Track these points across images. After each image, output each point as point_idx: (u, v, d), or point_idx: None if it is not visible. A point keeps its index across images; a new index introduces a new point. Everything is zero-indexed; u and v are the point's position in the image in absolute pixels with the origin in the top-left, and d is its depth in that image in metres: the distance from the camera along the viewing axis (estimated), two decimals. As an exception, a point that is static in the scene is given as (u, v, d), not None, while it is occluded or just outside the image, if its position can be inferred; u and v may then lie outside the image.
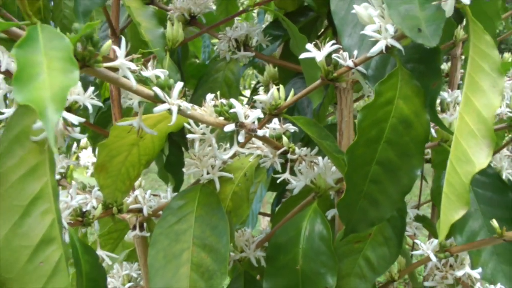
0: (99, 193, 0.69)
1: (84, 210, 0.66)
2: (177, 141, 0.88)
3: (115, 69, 0.47)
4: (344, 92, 0.79)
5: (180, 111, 0.50)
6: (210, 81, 0.92)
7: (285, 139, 0.67)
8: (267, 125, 0.67)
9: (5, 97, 0.54)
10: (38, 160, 0.44)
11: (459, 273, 0.61)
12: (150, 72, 0.50)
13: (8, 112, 0.52)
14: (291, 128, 0.68)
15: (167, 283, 0.61)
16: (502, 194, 0.68)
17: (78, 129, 0.45)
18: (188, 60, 1.16)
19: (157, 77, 0.50)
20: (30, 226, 0.43)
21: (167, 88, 0.49)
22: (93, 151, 1.13)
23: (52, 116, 0.33)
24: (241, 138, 0.56)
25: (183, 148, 0.89)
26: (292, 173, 0.69)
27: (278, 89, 0.62)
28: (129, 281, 0.86)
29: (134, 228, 0.76)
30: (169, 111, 0.49)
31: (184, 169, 0.67)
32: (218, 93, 0.60)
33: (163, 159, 0.88)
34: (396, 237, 0.67)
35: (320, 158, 0.68)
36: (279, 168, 0.68)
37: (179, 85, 0.50)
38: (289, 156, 0.67)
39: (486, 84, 0.49)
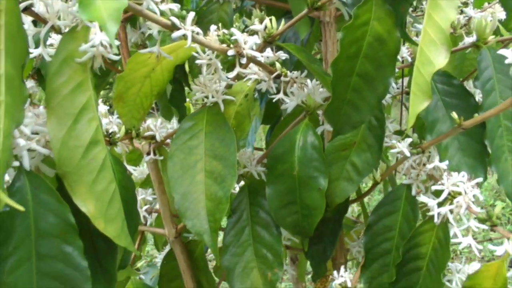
0: (118, 120, 0.80)
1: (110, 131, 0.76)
2: (178, 78, 0.98)
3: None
4: (328, 25, 0.89)
5: (193, 37, 0.60)
6: (205, 22, 1.01)
7: (278, 64, 0.78)
8: (261, 54, 0.78)
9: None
10: (83, 78, 0.54)
11: (430, 166, 0.73)
12: (165, 6, 0.60)
13: (38, 51, 0.61)
14: (283, 55, 0.78)
15: (185, 189, 0.72)
16: (466, 101, 0.80)
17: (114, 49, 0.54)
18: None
19: (171, 10, 0.60)
20: (80, 130, 0.53)
21: (181, 17, 0.60)
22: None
23: (111, 28, 0.43)
24: (242, 61, 0.66)
25: (183, 84, 1.00)
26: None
27: (270, 20, 0.72)
28: (145, 205, 0.98)
29: (148, 153, 0.87)
30: (185, 36, 0.59)
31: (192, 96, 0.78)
32: (220, 25, 0.70)
33: (166, 98, 0.99)
34: (377, 143, 0.79)
35: (309, 80, 0.79)
36: (274, 90, 0.78)
37: (191, 14, 0.60)
38: (282, 78, 0.78)
39: (443, 1, 0.60)
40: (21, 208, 0.44)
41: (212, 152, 0.73)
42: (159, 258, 1.21)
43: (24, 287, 0.50)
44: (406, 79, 1.02)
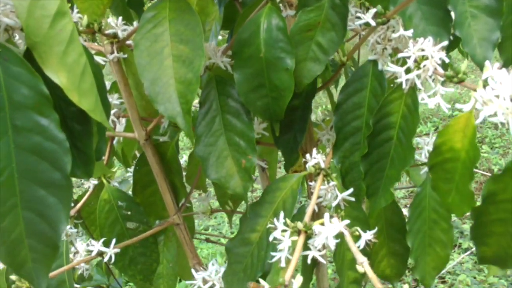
0: (78, 15, 0.78)
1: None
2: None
3: None
4: None
5: None
6: None
7: None
8: None
9: None
10: None
11: (395, 35, 0.74)
12: None
13: None
14: None
15: (154, 75, 0.71)
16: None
17: None
18: None
19: None
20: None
21: None
22: None
23: None
24: None
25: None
26: None
27: None
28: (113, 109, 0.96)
29: (112, 52, 0.85)
30: None
31: None
32: None
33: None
34: (341, 22, 0.78)
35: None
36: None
37: None
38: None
39: None
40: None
41: (178, 37, 0.72)
42: (130, 173, 1.20)
43: (3, 162, 0.50)
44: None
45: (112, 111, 0.95)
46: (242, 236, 0.84)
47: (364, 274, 0.90)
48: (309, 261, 0.71)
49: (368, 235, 0.66)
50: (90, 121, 0.60)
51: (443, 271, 2.73)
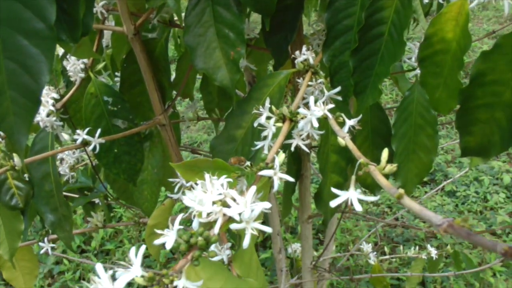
0: None
1: None
2: None
3: None
4: None
5: None
6: None
7: None
8: None
9: None
10: None
11: None
12: None
13: None
14: None
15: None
16: None
17: None
18: None
19: None
20: None
21: None
22: None
23: None
24: None
25: None
26: None
27: None
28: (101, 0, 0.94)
29: None
30: None
31: None
32: None
33: None
34: None
35: None
36: None
37: None
38: None
39: None
40: None
41: None
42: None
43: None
44: None
45: (101, 3, 0.93)
46: (227, 133, 0.84)
47: (346, 179, 0.91)
48: (292, 149, 0.71)
49: (352, 122, 0.66)
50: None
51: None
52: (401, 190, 0.43)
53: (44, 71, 0.51)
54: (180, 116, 1.25)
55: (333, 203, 0.48)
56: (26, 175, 0.97)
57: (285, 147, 0.92)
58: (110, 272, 0.39)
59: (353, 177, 0.50)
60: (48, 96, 0.95)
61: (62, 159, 1.35)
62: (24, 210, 1.01)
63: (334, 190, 0.49)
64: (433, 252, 1.63)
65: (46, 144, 0.94)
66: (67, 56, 0.98)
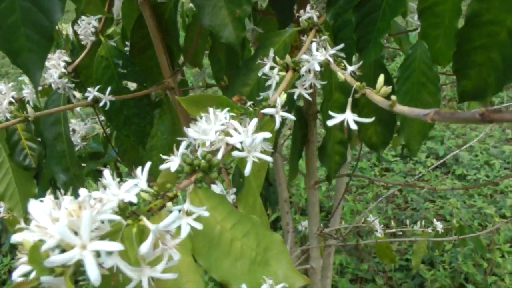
0: None
1: None
2: None
3: None
4: None
5: None
6: None
7: None
8: None
9: None
10: None
11: None
12: None
13: None
14: None
15: None
16: None
17: None
18: None
19: None
20: None
21: None
22: None
23: None
24: None
25: None
26: None
27: None
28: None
29: None
30: None
31: None
32: None
33: None
34: None
35: None
36: None
37: None
38: None
39: None
40: None
41: None
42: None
43: None
44: None
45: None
46: (234, 91, 0.87)
47: (350, 137, 0.93)
48: (295, 97, 0.73)
49: (353, 67, 0.68)
50: None
51: (434, 195, 2.79)
52: (393, 97, 0.45)
53: (57, 9, 0.54)
54: (189, 84, 1.27)
55: (330, 122, 0.50)
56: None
57: (290, 109, 0.95)
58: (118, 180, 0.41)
59: (350, 99, 0.52)
60: (60, 59, 0.98)
61: (74, 130, 1.39)
62: (37, 173, 1.04)
63: (331, 113, 0.51)
64: (439, 227, 1.65)
65: (58, 105, 0.97)
66: (78, 21, 1.01)
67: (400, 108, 0.45)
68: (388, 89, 0.51)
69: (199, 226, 0.46)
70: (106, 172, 0.40)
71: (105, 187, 0.40)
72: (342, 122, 0.92)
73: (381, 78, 0.53)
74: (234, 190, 0.71)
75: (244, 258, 0.57)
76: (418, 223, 1.68)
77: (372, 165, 3.18)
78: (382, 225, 1.63)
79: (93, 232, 0.36)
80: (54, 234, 0.33)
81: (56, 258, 0.32)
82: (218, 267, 0.56)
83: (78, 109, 1.03)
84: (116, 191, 0.39)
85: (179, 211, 0.46)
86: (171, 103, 1.11)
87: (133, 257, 0.43)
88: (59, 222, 0.33)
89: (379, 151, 1.00)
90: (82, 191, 0.36)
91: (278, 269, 0.60)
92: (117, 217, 0.36)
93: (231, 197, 0.69)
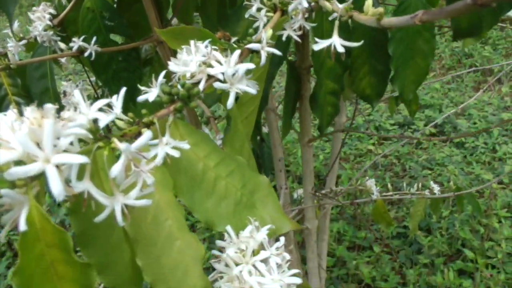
0: None
1: None
2: None
3: None
4: None
5: None
6: None
7: None
8: None
9: None
10: None
11: None
12: None
13: None
14: None
15: None
16: None
17: None
18: None
19: None
20: None
21: None
22: None
23: None
24: None
25: None
26: None
27: None
28: None
29: None
30: None
31: None
32: None
33: None
34: None
35: None
36: None
37: None
38: None
39: None
40: None
41: None
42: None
43: None
44: None
45: None
46: (223, 40, 0.84)
47: (343, 87, 0.91)
48: (284, 39, 0.71)
49: (343, 4, 0.65)
50: None
51: (432, 163, 2.78)
52: (380, 9, 0.43)
53: None
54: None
55: (316, 47, 0.48)
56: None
57: (281, 61, 0.92)
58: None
59: (337, 23, 0.50)
60: (45, 11, 0.95)
61: (65, 92, 1.36)
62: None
63: (317, 39, 0.48)
64: (436, 189, 1.63)
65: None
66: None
67: (388, 21, 0.42)
68: (378, 10, 0.49)
69: (176, 153, 0.44)
70: (76, 92, 0.38)
71: (75, 108, 0.38)
72: (333, 66, 0.90)
73: (370, 0, 0.50)
74: (221, 136, 0.69)
75: (229, 198, 0.56)
76: (415, 185, 1.66)
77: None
78: (378, 188, 1.62)
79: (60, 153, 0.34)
80: (16, 147, 0.31)
81: (16, 170, 0.30)
82: (201, 207, 0.54)
83: (65, 62, 1.00)
84: (86, 110, 0.37)
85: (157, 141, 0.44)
86: (161, 60, 1.09)
87: (108, 188, 0.41)
88: (20, 131, 0.31)
89: (373, 103, 0.97)
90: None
91: (264, 213, 0.58)
92: (84, 132, 0.34)
93: (218, 142, 0.68)
